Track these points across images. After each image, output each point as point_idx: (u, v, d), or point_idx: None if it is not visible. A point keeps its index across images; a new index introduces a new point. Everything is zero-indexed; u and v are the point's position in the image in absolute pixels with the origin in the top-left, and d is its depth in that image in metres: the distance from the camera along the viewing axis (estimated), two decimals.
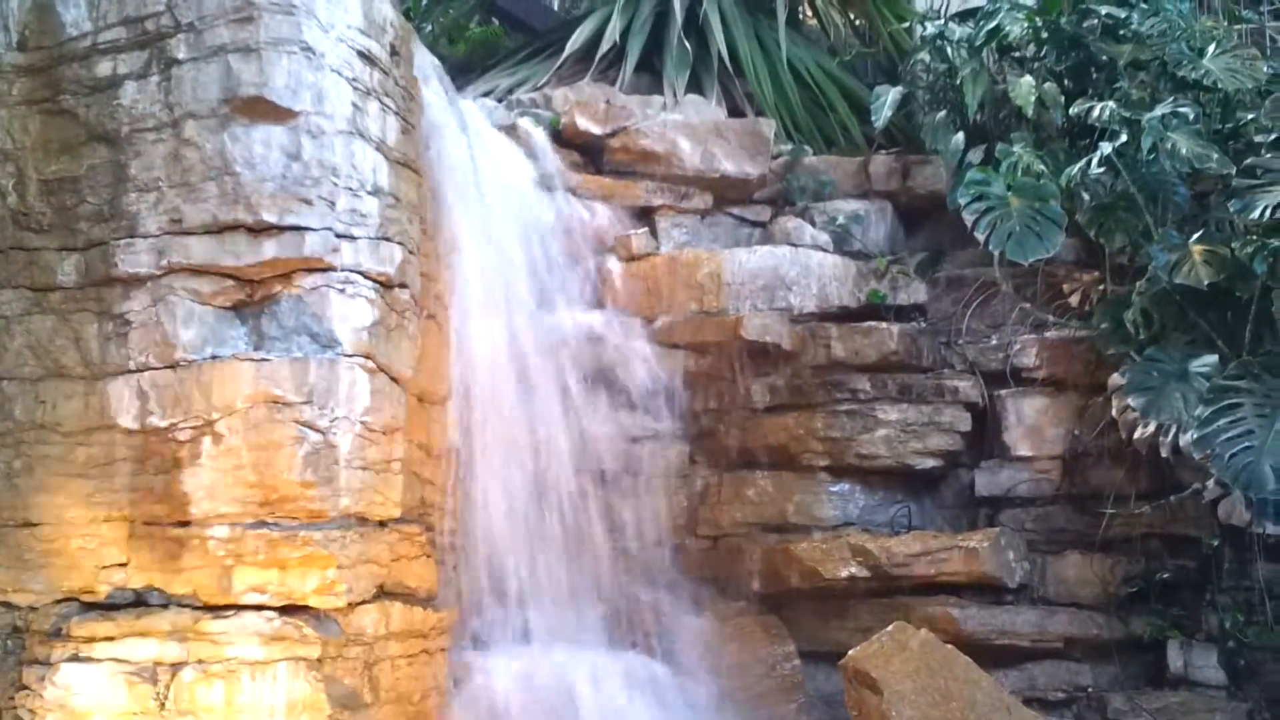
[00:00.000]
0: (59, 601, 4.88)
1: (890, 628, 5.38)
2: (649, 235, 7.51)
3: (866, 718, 5.14)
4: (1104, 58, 7.24)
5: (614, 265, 7.33)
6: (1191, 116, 6.57)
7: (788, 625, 6.85)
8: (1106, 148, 6.58)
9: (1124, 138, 6.59)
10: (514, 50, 9.49)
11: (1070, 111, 7.03)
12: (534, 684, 5.84)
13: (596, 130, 7.71)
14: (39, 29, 5.13)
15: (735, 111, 8.39)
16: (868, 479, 7.09)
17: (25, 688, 4.74)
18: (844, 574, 6.62)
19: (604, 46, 8.52)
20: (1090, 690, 6.51)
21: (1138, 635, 6.56)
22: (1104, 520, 6.58)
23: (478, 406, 6.07)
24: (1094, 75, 7.36)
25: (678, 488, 7.18)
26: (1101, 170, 6.63)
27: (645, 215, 7.65)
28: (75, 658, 4.70)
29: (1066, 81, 7.35)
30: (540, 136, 7.48)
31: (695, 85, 8.43)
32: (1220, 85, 6.71)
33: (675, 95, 8.21)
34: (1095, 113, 6.74)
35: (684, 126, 7.74)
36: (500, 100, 8.23)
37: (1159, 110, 6.54)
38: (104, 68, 4.96)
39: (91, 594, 4.84)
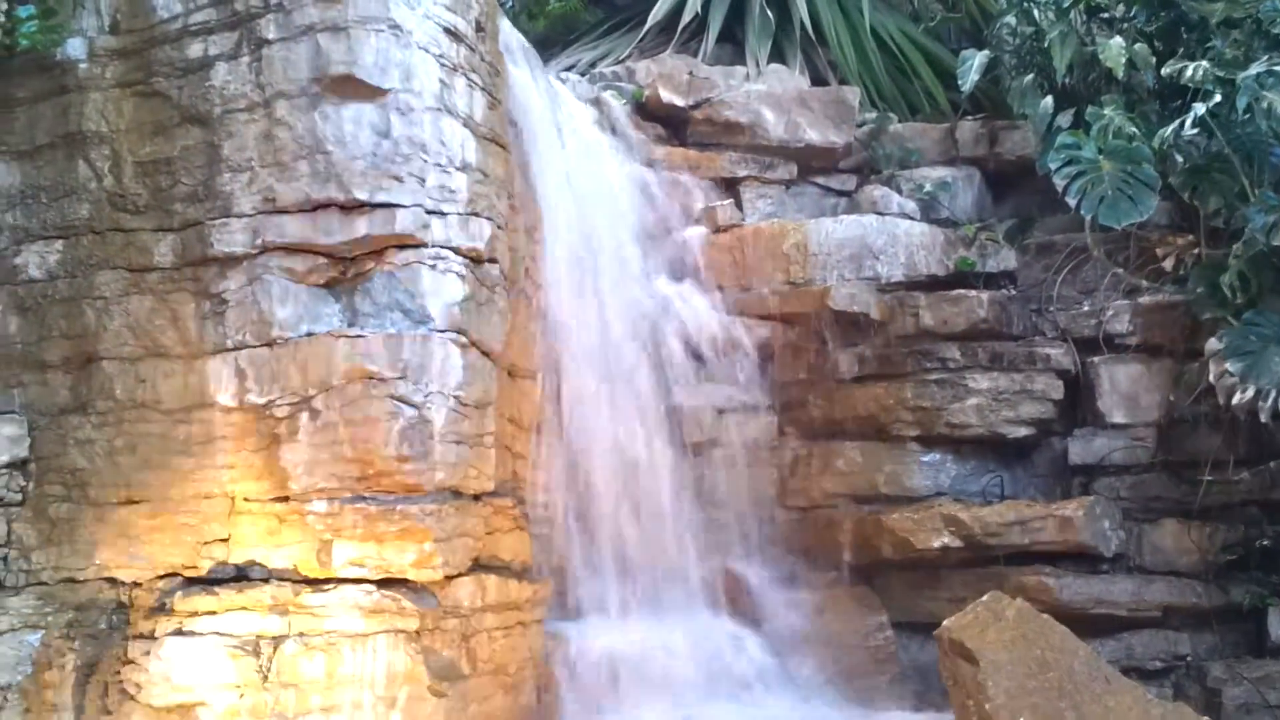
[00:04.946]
0: (162, 577, 4.97)
1: (985, 597, 5.31)
2: (734, 206, 7.50)
3: (962, 688, 5.08)
4: (1195, 16, 7.08)
5: (699, 237, 7.32)
6: None
7: (880, 596, 6.84)
8: (1200, 108, 6.44)
9: (1218, 98, 6.45)
10: (595, 24, 9.50)
11: (1162, 72, 6.88)
12: (629, 654, 5.87)
13: (679, 102, 7.71)
14: (130, 12, 5.22)
15: (818, 80, 8.35)
16: (959, 448, 7.03)
17: (131, 661, 4.82)
18: (936, 544, 6.59)
19: (685, 18, 8.50)
20: (1189, 659, 6.43)
21: (1237, 603, 6.46)
22: (1201, 487, 6.48)
23: (567, 380, 6.09)
24: (1185, 35, 7.20)
25: (766, 459, 7.16)
26: (1195, 131, 6.50)
27: (730, 186, 7.65)
28: (179, 632, 4.77)
29: (1157, 42, 7.22)
30: (623, 110, 7.49)
31: (778, 55, 8.39)
32: None
33: (758, 65, 8.18)
34: (1188, 73, 6.60)
35: (767, 96, 7.70)
36: (583, 74, 8.23)
37: (1254, 69, 6.38)
38: (195, 49, 5.03)
39: (194, 569, 4.91)
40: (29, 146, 5.29)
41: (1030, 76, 7.52)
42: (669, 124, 7.79)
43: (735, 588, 6.75)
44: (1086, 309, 6.99)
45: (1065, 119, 7.16)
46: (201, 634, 4.74)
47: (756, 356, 7.14)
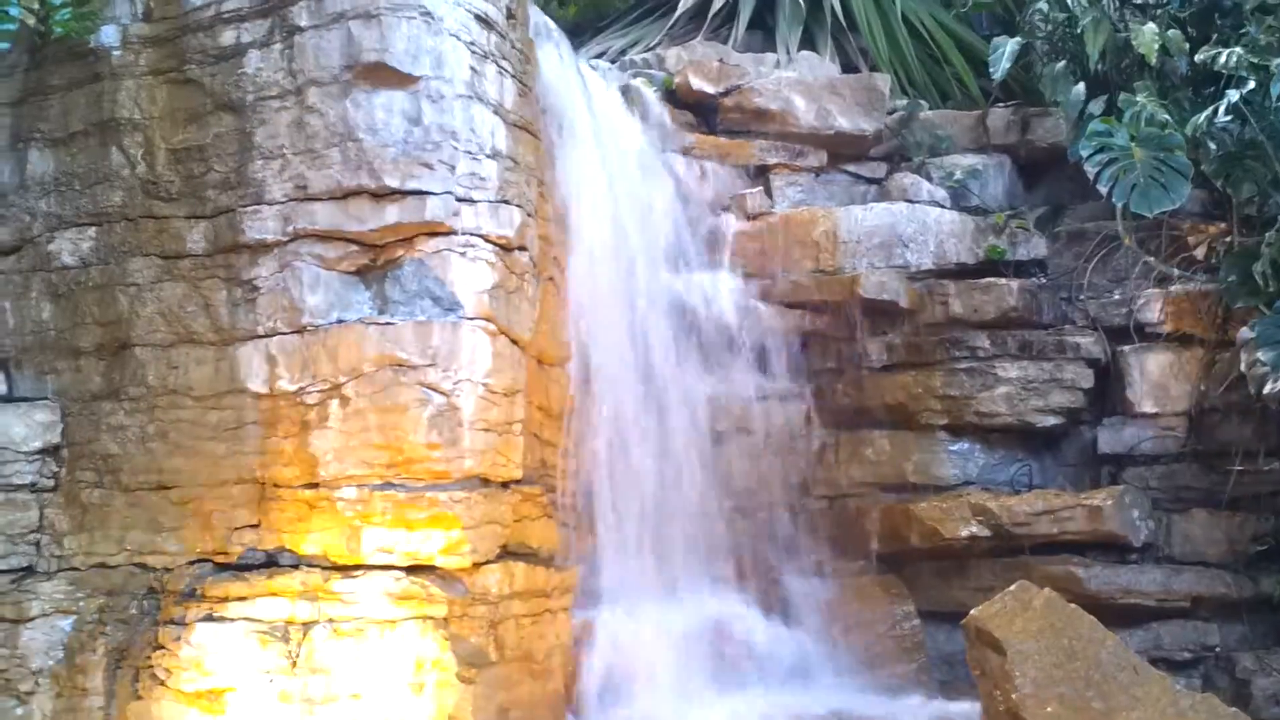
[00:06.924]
0: (193, 563, 5.00)
1: (1013, 587, 5.31)
2: (764, 194, 7.48)
3: (989, 677, 5.09)
4: (1229, 2, 7.07)
5: (729, 225, 7.30)
6: None
7: (907, 585, 6.83)
8: (1233, 95, 6.42)
9: (1252, 84, 6.43)
10: (625, 11, 9.49)
11: (1195, 59, 6.86)
12: (655, 641, 5.88)
13: (710, 89, 7.67)
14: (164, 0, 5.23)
15: (849, 67, 8.32)
16: (987, 437, 7.01)
17: (161, 647, 4.85)
18: (964, 533, 6.58)
19: (716, 5, 8.50)
20: (1218, 650, 6.41)
21: (1267, 594, 6.43)
22: (1231, 477, 6.46)
23: (596, 368, 6.09)
24: (1219, 21, 7.18)
25: (795, 447, 7.14)
26: (1228, 118, 6.49)
27: (760, 174, 7.61)
28: (209, 617, 4.80)
29: (1190, 28, 7.19)
30: (653, 97, 7.46)
31: (808, 42, 8.37)
32: None
33: (788, 52, 8.16)
34: (1222, 59, 6.57)
35: (798, 84, 7.67)
36: (613, 62, 8.22)
37: None
38: (228, 37, 5.05)
39: (224, 555, 4.94)
40: (63, 134, 5.32)
41: (1062, 63, 7.48)
42: (699, 111, 7.76)
43: (762, 576, 6.75)
44: (1117, 297, 6.96)
45: (1097, 106, 7.14)
46: (232, 620, 4.76)
47: (785, 345, 7.11)
